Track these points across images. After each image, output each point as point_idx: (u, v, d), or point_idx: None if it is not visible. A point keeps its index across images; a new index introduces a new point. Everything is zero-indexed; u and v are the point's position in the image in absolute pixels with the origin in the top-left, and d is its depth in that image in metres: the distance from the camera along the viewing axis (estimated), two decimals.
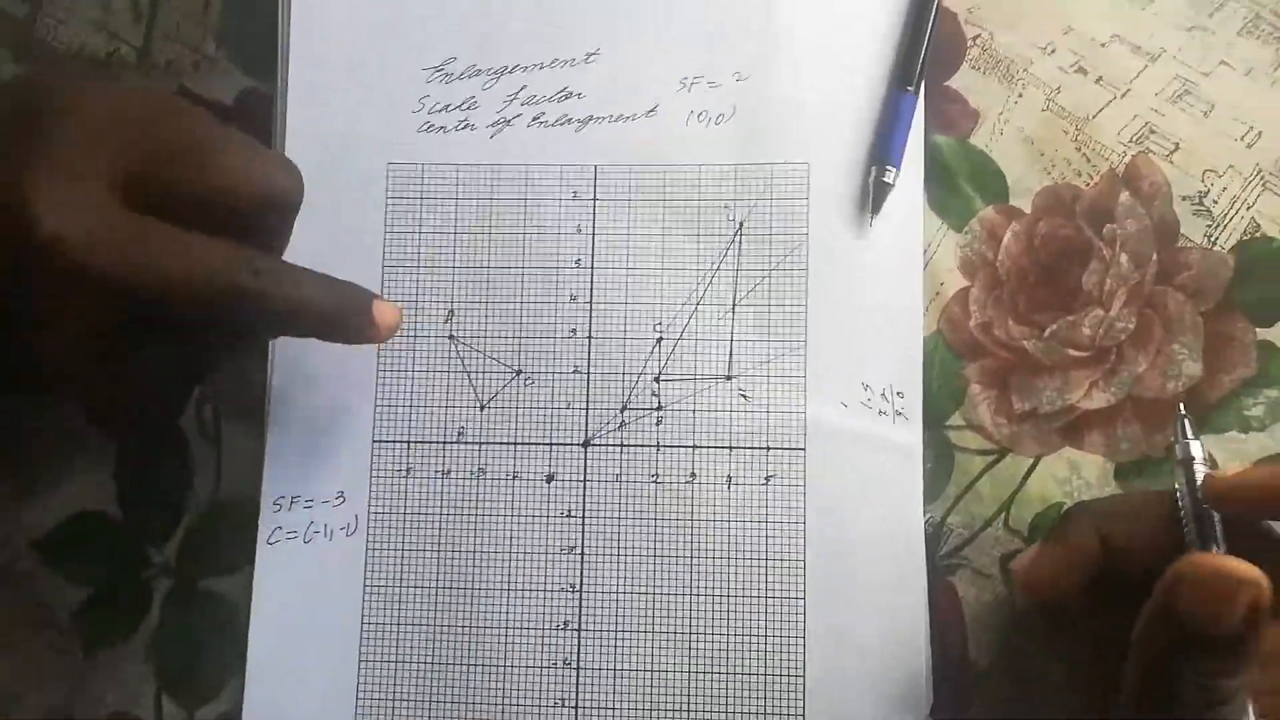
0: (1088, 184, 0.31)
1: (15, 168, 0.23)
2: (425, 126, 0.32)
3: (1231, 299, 0.30)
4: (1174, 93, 0.32)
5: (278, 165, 0.27)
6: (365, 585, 0.30)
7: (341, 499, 0.31)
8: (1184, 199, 0.31)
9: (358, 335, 0.29)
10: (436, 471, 0.31)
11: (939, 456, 0.30)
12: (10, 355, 0.26)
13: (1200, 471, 0.26)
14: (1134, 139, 0.31)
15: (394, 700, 0.30)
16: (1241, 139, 0.31)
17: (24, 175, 0.23)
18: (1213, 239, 0.31)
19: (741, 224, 0.31)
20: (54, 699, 0.30)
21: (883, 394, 0.30)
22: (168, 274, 0.24)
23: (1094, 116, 0.32)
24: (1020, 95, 0.32)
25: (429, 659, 0.30)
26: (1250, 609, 0.21)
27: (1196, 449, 0.26)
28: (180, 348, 0.28)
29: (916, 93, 0.31)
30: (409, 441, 0.31)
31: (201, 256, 0.25)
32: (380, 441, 0.31)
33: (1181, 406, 0.28)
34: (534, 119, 0.32)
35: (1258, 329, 0.30)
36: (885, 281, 0.31)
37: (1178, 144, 0.31)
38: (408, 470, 0.31)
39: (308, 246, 0.28)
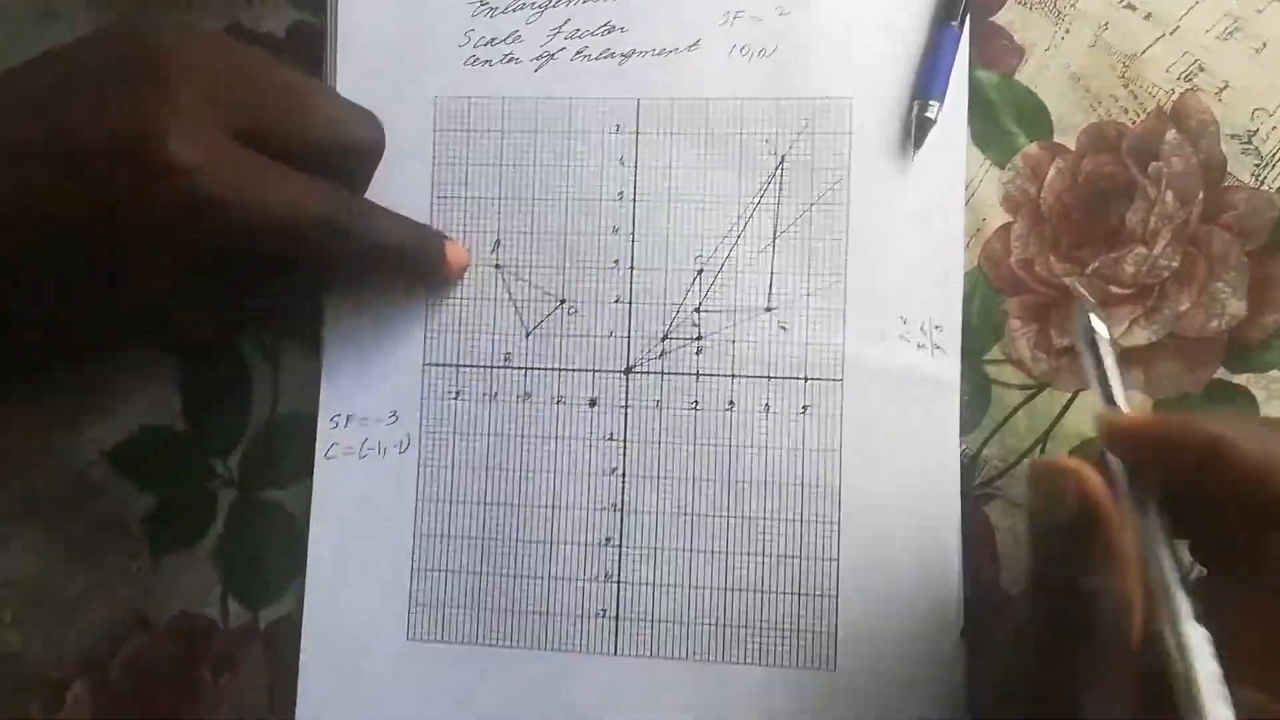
0: (1134, 121, 0.31)
1: (150, 104, 0.25)
2: (471, 60, 0.33)
3: (1278, 239, 0.30)
4: (1224, 29, 0.31)
5: (364, 118, 0.29)
6: (417, 499, 0.31)
7: (394, 418, 0.32)
8: (1232, 137, 0.31)
9: (433, 273, 0.31)
10: (484, 394, 0.32)
11: (976, 389, 0.31)
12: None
13: (1106, 351, 0.24)
14: (1182, 76, 0.31)
15: (443, 606, 0.31)
16: None
17: (160, 110, 0.24)
18: (1260, 178, 0.30)
19: (783, 158, 0.32)
20: (124, 600, 0.32)
21: (921, 327, 0.31)
22: (279, 208, 0.26)
23: (1142, 53, 0.31)
24: (1067, 31, 0.32)
25: (476, 569, 0.31)
26: (1081, 500, 0.22)
27: (1100, 326, 0.24)
28: (257, 286, 0.30)
29: (961, 26, 0.31)
30: (458, 365, 0.32)
31: (309, 193, 0.26)
32: (431, 364, 0.32)
33: (1080, 286, 0.29)
34: (577, 53, 0.32)
35: None
36: (926, 216, 0.31)
37: (1227, 82, 0.31)
38: (457, 392, 0.32)
39: None
